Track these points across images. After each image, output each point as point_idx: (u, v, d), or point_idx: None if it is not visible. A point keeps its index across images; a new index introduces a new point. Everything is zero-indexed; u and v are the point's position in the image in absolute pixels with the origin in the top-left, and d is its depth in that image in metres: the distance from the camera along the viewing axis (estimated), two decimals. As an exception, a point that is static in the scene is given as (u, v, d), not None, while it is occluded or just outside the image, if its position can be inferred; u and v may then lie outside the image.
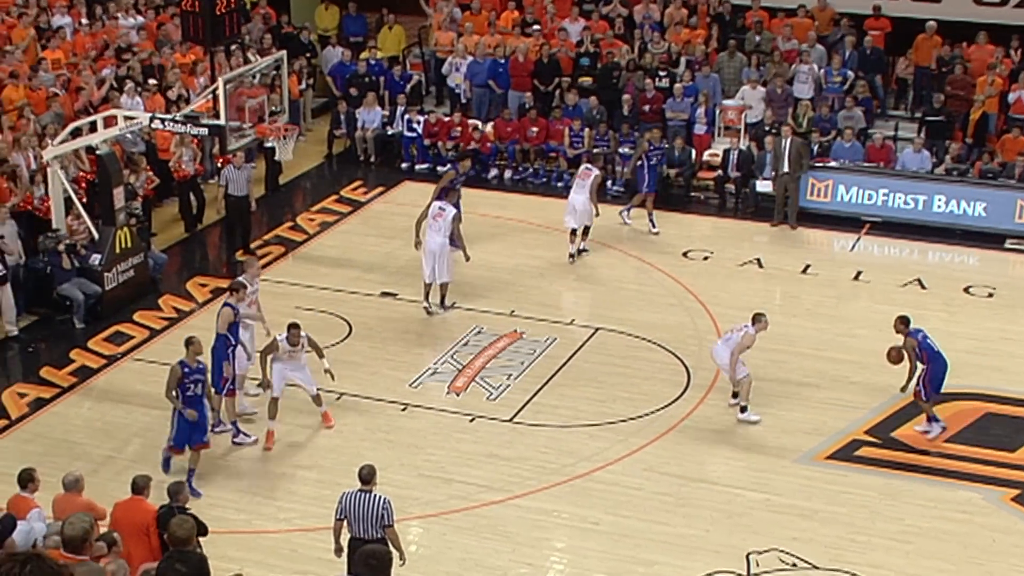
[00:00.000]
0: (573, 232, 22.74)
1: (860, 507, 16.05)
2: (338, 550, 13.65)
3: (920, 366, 17.56)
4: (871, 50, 27.75)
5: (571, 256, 22.77)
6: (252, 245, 23.61)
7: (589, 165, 23.12)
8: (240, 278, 18.07)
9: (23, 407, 18.50)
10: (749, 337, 17.98)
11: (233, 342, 17.21)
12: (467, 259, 21.23)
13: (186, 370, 16.19)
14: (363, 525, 13.29)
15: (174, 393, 16.14)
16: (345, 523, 13.47)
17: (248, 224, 23.46)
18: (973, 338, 20.22)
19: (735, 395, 18.18)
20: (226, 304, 17.35)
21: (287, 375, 17.32)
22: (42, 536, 12.41)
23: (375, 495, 13.40)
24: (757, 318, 18.15)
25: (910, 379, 17.81)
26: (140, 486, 13.50)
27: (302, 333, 17.16)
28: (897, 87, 28.66)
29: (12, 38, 26.51)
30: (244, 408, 17.93)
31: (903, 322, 17.80)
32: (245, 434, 17.40)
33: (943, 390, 17.63)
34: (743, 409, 17.94)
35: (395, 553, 12.40)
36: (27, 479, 13.67)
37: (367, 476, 13.51)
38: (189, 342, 16.46)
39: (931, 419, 17.74)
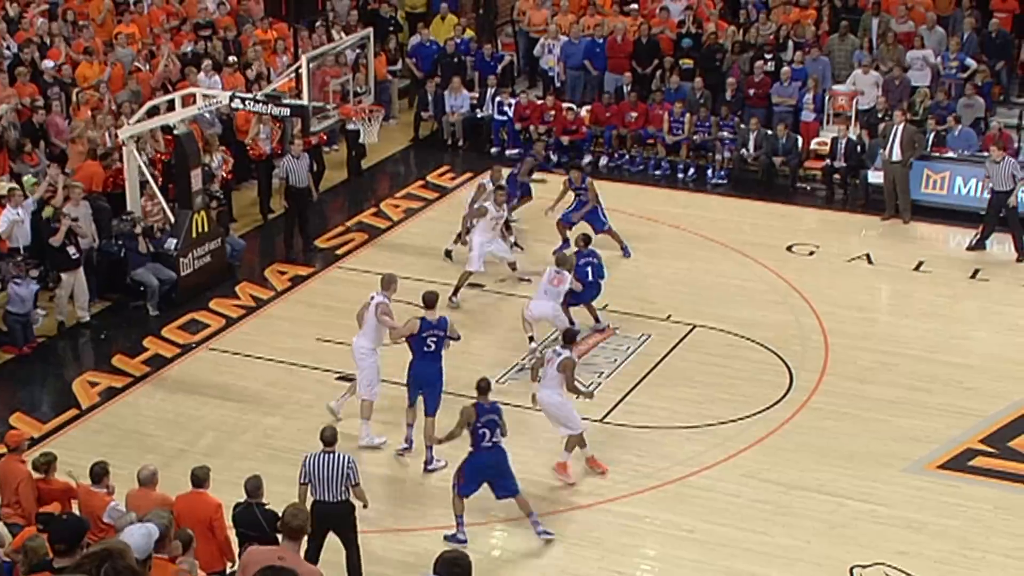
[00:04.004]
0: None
1: (973, 520, 15.90)
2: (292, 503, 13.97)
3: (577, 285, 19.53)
4: (996, 33, 27.34)
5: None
6: (332, 232, 23.88)
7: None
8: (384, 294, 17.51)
9: (94, 396, 18.84)
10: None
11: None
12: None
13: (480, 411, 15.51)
14: (327, 487, 14.01)
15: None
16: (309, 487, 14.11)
17: (308, 216, 23.53)
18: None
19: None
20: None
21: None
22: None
23: (339, 455, 14.11)
24: (560, 261, 19.42)
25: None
26: (201, 478, 13.70)
27: None
28: (1023, 73, 28.25)
29: (90, 11, 26.93)
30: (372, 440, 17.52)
31: (584, 241, 20.35)
32: (437, 459, 16.97)
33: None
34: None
35: (360, 504, 14.18)
36: (101, 474, 13.86)
37: (330, 438, 14.22)
38: (484, 387, 15.62)
39: (596, 320, 20.17)
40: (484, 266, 21.30)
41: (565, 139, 27.02)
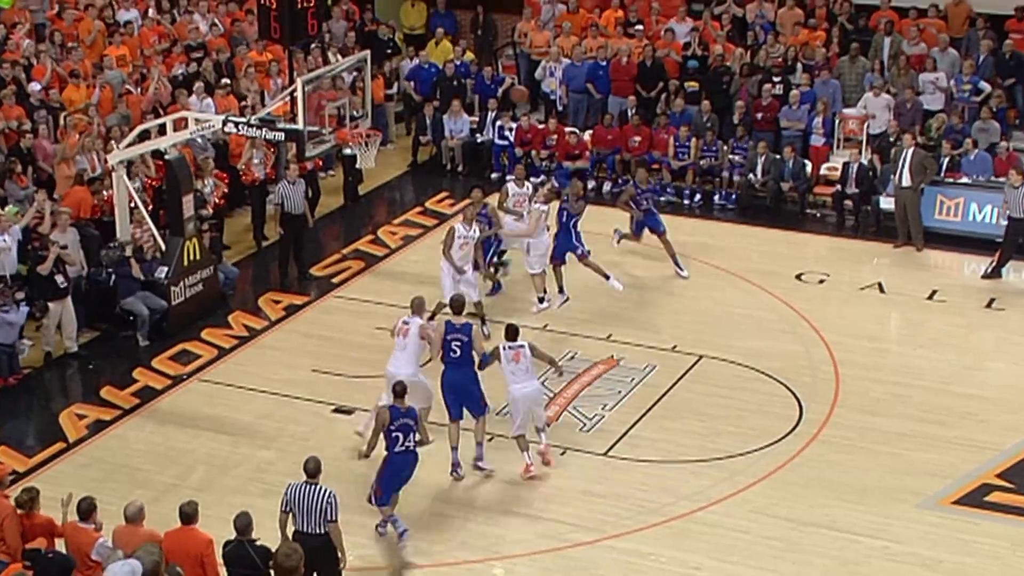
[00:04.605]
0: None
1: (990, 558, 15.84)
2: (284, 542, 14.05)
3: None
4: (1011, 54, 27.39)
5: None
6: (328, 260, 23.88)
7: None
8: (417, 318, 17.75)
9: (82, 429, 18.78)
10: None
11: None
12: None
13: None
14: (307, 518, 14.06)
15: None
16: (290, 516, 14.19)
17: (303, 243, 23.44)
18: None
19: None
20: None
21: None
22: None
23: (320, 488, 14.13)
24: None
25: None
26: (189, 514, 13.66)
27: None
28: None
29: (79, 32, 26.96)
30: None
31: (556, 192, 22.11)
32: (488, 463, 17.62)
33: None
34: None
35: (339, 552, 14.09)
36: (89, 510, 13.82)
37: (313, 470, 14.24)
38: (400, 392, 15.95)
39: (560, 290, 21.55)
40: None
41: (567, 164, 27.04)
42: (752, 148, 26.17)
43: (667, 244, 23.09)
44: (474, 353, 17.26)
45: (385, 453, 15.78)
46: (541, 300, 21.28)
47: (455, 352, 17.16)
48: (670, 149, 26.87)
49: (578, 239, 21.66)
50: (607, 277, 21.71)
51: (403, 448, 15.64)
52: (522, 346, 17.24)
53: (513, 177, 22.82)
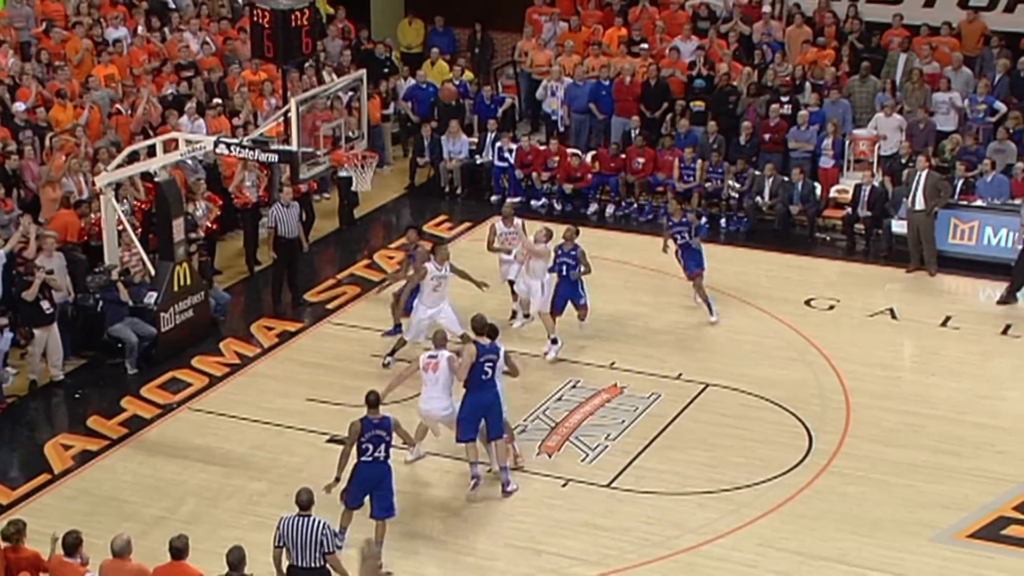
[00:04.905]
0: None
1: (1007, 593, 15.81)
2: None
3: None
4: (1025, 73, 27.49)
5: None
6: (322, 285, 23.86)
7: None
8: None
9: (68, 460, 18.71)
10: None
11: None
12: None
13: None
14: (302, 552, 14.22)
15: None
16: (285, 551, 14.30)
17: (297, 268, 23.44)
18: None
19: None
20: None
21: None
22: None
23: (314, 520, 14.27)
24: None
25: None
26: (180, 548, 13.64)
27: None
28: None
29: (67, 51, 26.96)
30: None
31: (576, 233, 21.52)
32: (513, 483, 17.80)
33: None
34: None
35: None
36: (74, 544, 13.77)
37: (305, 502, 14.35)
38: (373, 402, 16.13)
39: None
40: (422, 338, 20.15)
41: (568, 187, 27.01)
42: (750, 174, 26.16)
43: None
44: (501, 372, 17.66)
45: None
46: (555, 342, 21.13)
47: (486, 373, 17.35)
48: (675, 171, 26.83)
49: (581, 288, 21.47)
50: (582, 326, 21.74)
51: (371, 458, 15.88)
52: (500, 348, 17.67)
53: (501, 216, 22.44)
